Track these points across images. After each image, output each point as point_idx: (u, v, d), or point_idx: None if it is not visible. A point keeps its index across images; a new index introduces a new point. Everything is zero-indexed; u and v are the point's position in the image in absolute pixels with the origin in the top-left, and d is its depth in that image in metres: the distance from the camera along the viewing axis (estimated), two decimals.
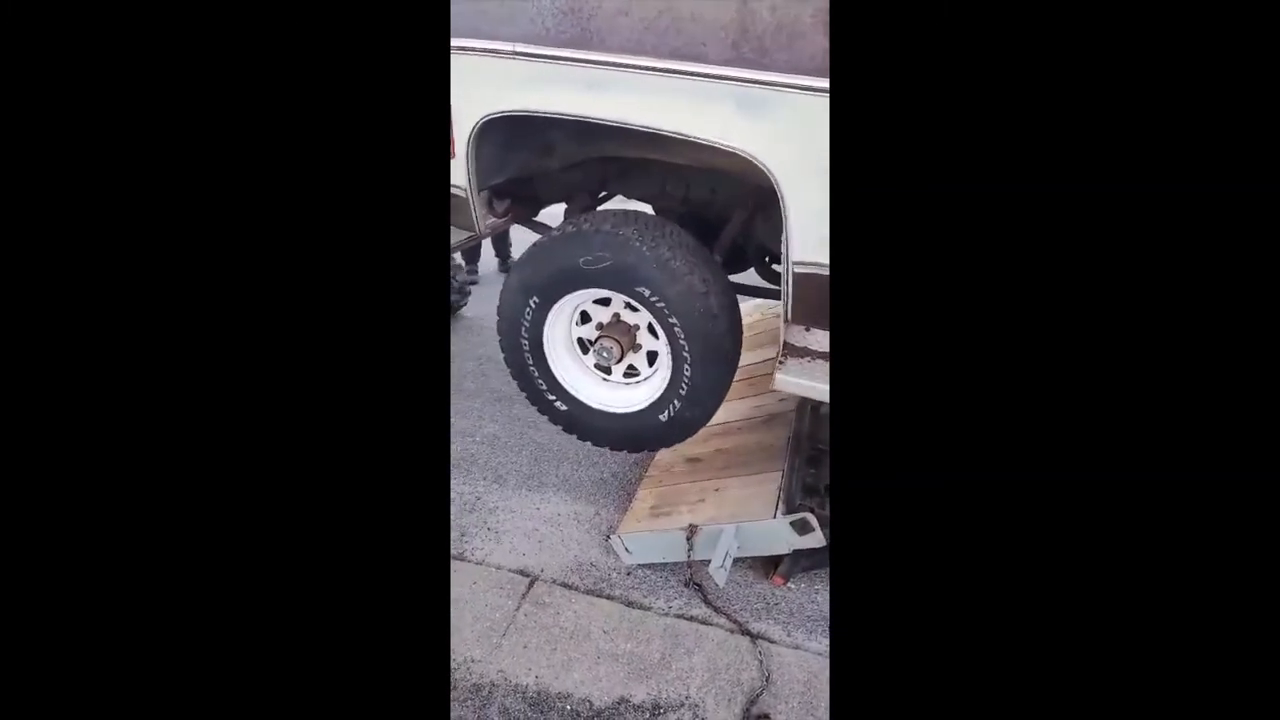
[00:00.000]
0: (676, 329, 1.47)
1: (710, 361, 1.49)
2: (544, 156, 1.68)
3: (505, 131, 1.46)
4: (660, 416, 1.62)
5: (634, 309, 1.59)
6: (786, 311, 1.40)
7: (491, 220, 1.68)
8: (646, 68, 1.22)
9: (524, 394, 1.78)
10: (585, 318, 1.67)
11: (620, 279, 1.47)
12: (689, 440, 1.68)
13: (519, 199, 1.82)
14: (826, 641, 1.52)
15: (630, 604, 1.61)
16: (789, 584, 1.68)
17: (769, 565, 1.73)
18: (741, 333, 1.57)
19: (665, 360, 1.58)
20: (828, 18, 1.07)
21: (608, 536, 1.78)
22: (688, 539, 1.64)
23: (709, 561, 1.59)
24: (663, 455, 2.10)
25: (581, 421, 1.73)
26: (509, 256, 3.89)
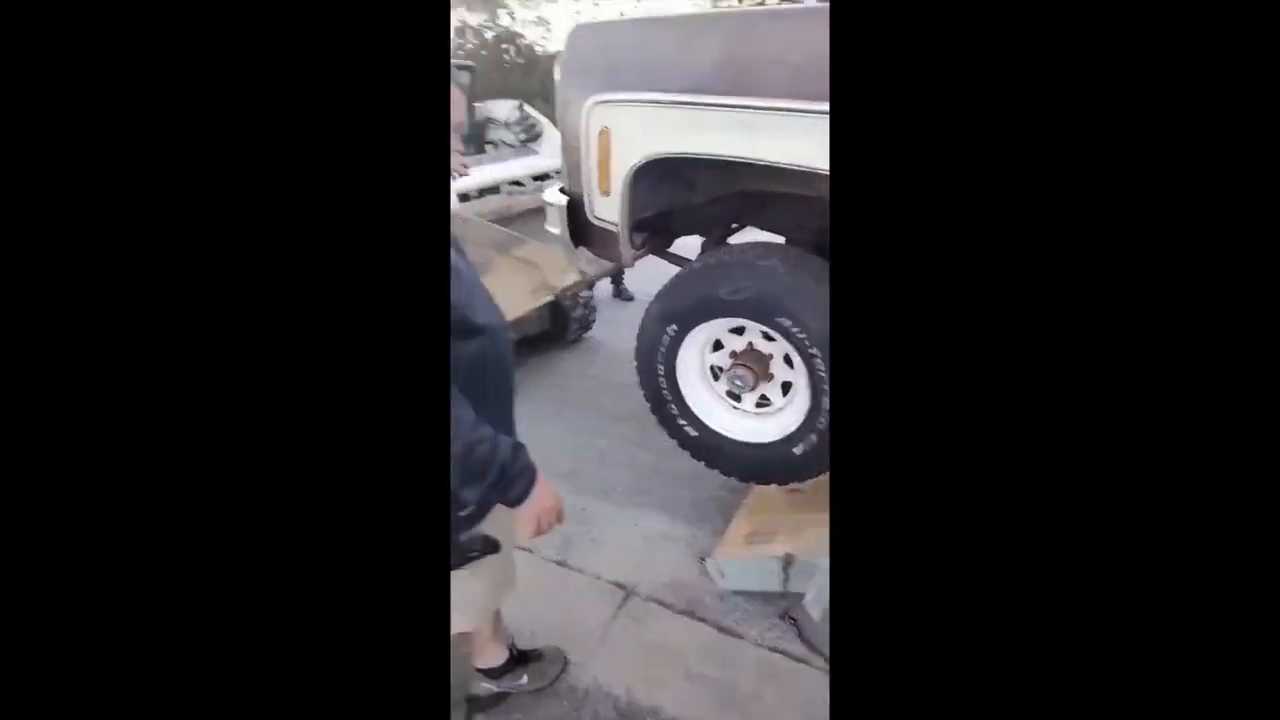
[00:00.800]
0: (817, 360, 1.48)
1: None
2: (687, 192, 1.78)
3: (654, 171, 1.57)
4: (795, 449, 1.62)
5: (769, 339, 1.62)
6: None
7: (632, 252, 1.79)
8: (798, 110, 1.28)
9: (656, 417, 1.85)
10: (718, 345, 1.73)
11: (761, 309, 1.51)
12: None
13: (656, 232, 1.93)
14: None
15: (723, 630, 1.59)
16: None
17: None
18: None
19: (803, 392, 1.58)
20: None
21: (703, 559, 1.79)
22: (784, 568, 1.60)
23: (804, 595, 1.54)
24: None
25: (711, 448, 1.77)
26: (622, 283, 4.08)
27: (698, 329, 1.65)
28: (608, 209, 1.63)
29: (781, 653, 1.52)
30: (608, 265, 2.00)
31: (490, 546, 0.99)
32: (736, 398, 1.74)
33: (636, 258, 1.89)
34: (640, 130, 1.49)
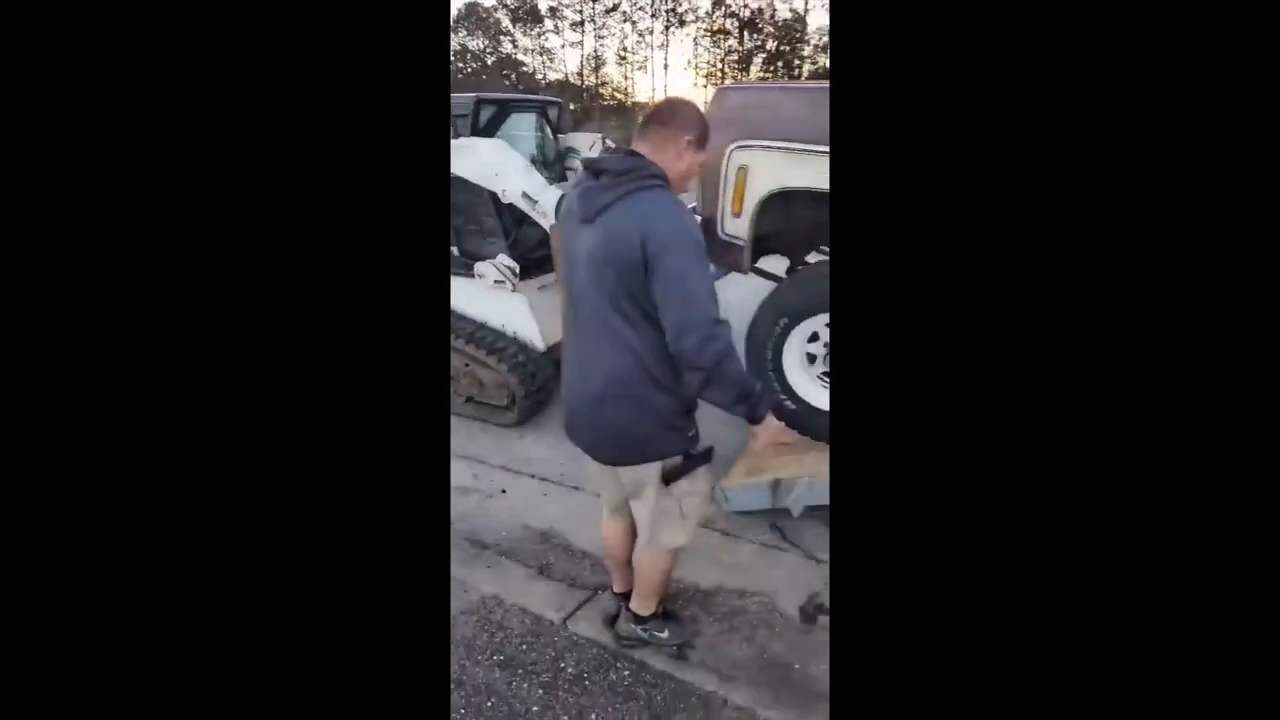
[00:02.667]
0: None
1: None
2: (787, 219, 2.27)
3: (773, 201, 2.05)
4: None
5: None
6: None
7: (750, 261, 2.24)
8: None
9: None
10: (813, 337, 2.19)
11: None
12: (779, 429, 2.11)
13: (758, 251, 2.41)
14: None
15: (728, 534, 2.06)
16: None
17: None
18: None
19: None
20: None
21: (712, 490, 2.13)
22: (771, 490, 2.07)
23: (788, 512, 2.01)
24: (758, 440, 2.46)
25: (803, 419, 2.23)
26: None
27: (805, 323, 2.12)
28: (738, 228, 2.10)
29: (771, 546, 2.02)
30: (714, 275, 2.48)
31: (709, 455, 1.36)
32: (827, 378, 2.21)
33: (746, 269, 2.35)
34: (772, 169, 1.97)
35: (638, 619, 1.59)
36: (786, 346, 2.18)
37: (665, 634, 1.60)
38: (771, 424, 1.30)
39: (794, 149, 1.91)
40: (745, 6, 27.62)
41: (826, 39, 27.56)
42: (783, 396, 2.23)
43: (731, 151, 2.02)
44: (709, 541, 2.03)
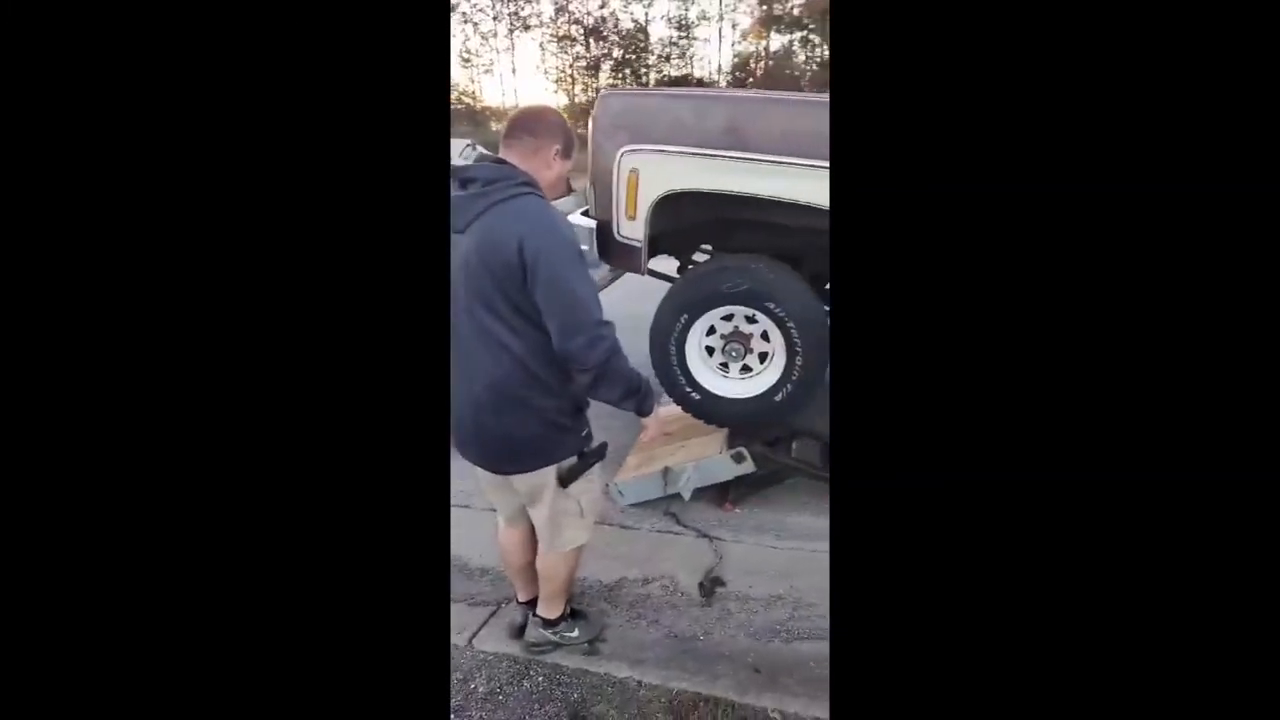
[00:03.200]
0: (792, 331, 2.14)
1: (816, 353, 2.15)
2: (676, 219, 2.36)
3: (665, 203, 2.14)
4: (775, 398, 2.25)
5: (751, 321, 2.25)
6: None
7: (648, 262, 2.31)
8: (781, 161, 1.95)
9: (664, 388, 2.37)
10: (710, 330, 2.31)
11: (754, 297, 2.13)
12: (666, 420, 2.31)
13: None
14: (761, 539, 2.08)
15: (625, 527, 2.19)
16: (736, 509, 2.29)
17: (722, 499, 2.32)
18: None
19: (780, 357, 2.23)
20: None
21: (606, 486, 2.28)
22: (663, 478, 2.22)
23: (680, 497, 2.16)
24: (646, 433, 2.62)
25: (710, 407, 2.34)
26: None
27: (704, 317, 2.22)
28: (633, 230, 2.15)
29: (668, 532, 2.16)
30: (609, 278, 2.52)
31: (603, 451, 1.40)
32: (726, 368, 2.34)
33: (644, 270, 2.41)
34: (660, 173, 2.05)
35: (546, 623, 1.60)
36: (689, 341, 2.28)
37: (576, 633, 1.62)
38: (659, 415, 1.37)
39: (683, 152, 2.01)
40: (589, 15, 28.11)
41: (669, 50, 28.87)
42: (689, 389, 2.33)
43: (622, 155, 2.07)
44: (607, 537, 2.08)
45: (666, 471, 2.19)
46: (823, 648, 1.58)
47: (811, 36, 26.69)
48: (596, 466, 1.41)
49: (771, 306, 2.12)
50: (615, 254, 2.23)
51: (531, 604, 1.63)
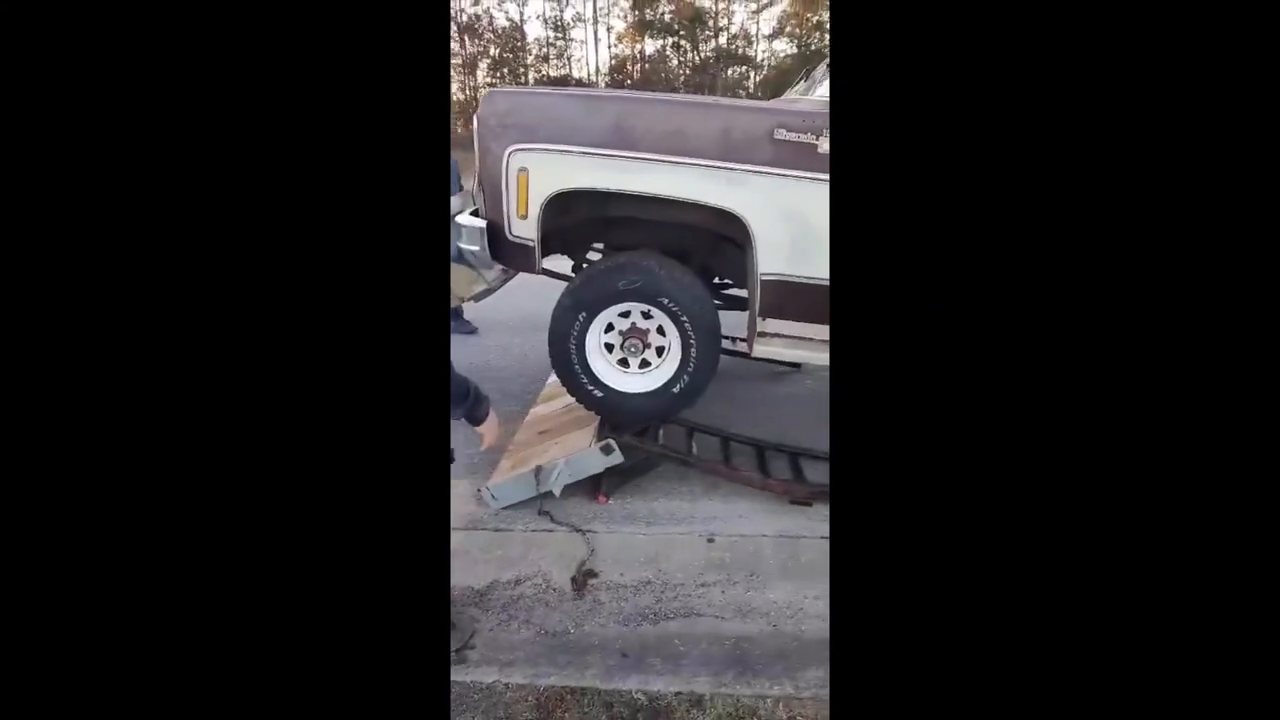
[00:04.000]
0: (686, 323, 2.22)
1: (708, 342, 2.25)
2: (563, 217, 2.37)
3: (554, 202, 2.14)
4: (674, 389, 2.33)
5: (647, 317, 2.31)
6: (755, 307, 2.22)
7: (541, 261, 2.28)
8: (663, 160, 2.02)
9: (566, 388, 2.37)
10: (609, 328, 2.34)
11: (648, 293, 2.19)
12: (542, 419, 2.38)
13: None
14: (635, 528, 2.09)
15: (499, 530, 2.17)
16: (609, 500, 2.35)
17: (595, 492, 2.34)
18: (719, 323, 2.34)
19: (675, 350, 2.30)
20: (776, 134, 1.95)
21: (479, 491, 2.26)
22: (535, 477, 2.22)
23: (553, 495, 2.19)
24: (521, 434, 2.63)
25: (613, 403, 2.37)
26: (462, 315, 4.17)
27: (601, 314, 2.25)
28: (525, 229, 2.13)
29: (542, 530, 2.16)
30: (502, 278, 2.47)
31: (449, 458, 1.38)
32: (625, 364, 2.38)
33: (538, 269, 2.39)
34: (550, 171, 2.05)
35: None
36: (588, 340, 2.29)
37: None
38: (493, 422, 1.37)
39: (573, 151, 2.02)
40: (462, 12, 27.17)
41: (546, 49, 28.62)
42: (591, 387, 2.35)
43: (510, 154, 2.04)
44: (481, 541, 2.05)
45: (539, 470, 2.19)
46: (688, 625, 1.65)
47: (682, 42, 27.65)
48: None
49: (665, 301, 2.19)
50: (507, 254, 2.20)
51: None
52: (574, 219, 2.38)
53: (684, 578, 1.83)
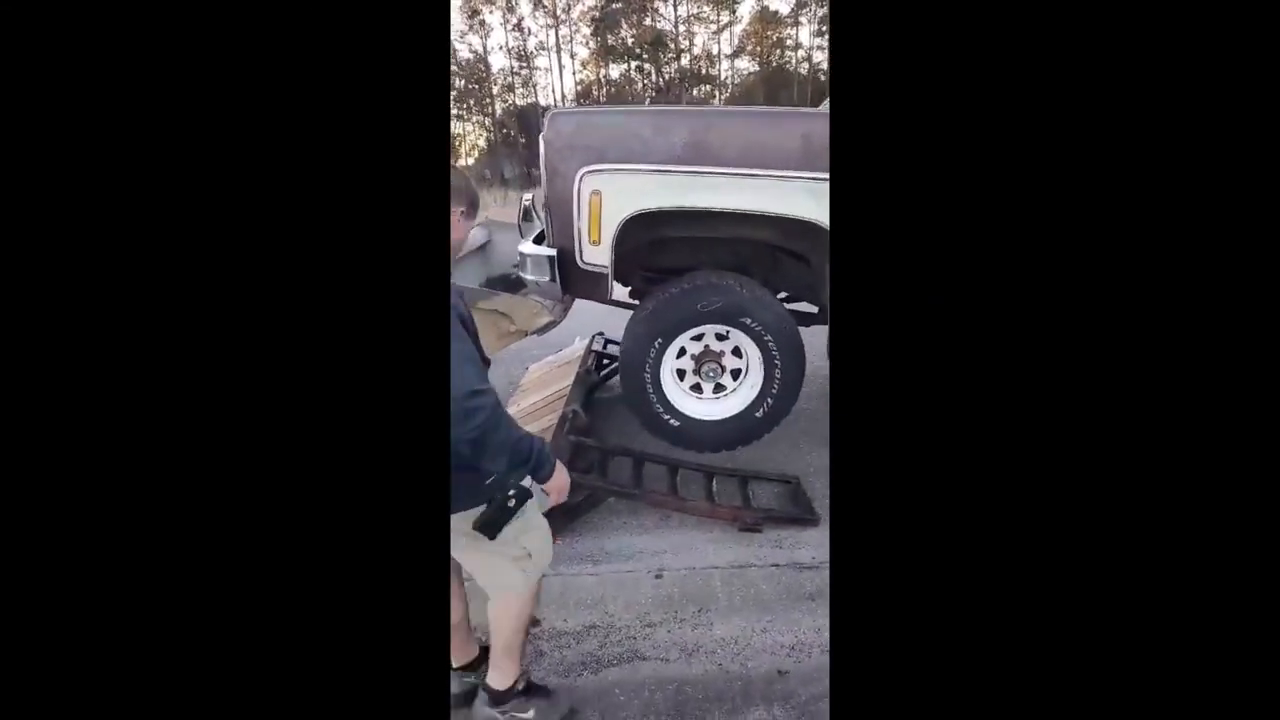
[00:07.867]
0: (770, 343, 2.11)
1: (793, 362, 2.14)
2: (622, 242, 2.25)
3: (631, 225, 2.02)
4: (757, 413, 2.21)
5: (721, 339, 2.19)
6: None
7: (614, 289, 2.15)
8: (745, 174, 1.92)
9: (640, 418, 2.23)
10: (681, 353, 2.22)
11: (729, 315, 2.08)
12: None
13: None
14: (581, 568, 1.87)
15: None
16: (557, 541, 1.99)
17: None
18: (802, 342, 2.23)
19: (756, 370, 2.19)
20: None
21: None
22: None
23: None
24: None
25: (691, 433, 2.24)
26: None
27: (677, 340, 2.13)
28: (597, 255, 2.00)
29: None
30: (563, 308, 2.33)
31: (525, 494, 1.22)
32: (699, 389, 2.26)
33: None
34: (629, 192, 1.93)
35: (495, 698, 1.36)
36: (663, 367, 2.17)
37: (530, 714, 1.38)
38: (560, 478, 1.23)
39: (648, 170, 1.91)
40: None
41: (511, 79, 28.75)
42: (667, 416, 2.21)
43: (582, 176, 1.92)
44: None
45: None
46: (630, 671, 1.52)
47: (646, 65, 28.05)
48: (533, 512, 1.25)
49: (748, 322, 2.08)
50: (578, 283, 2.07)
51: (469, 668, 1.43)
52: (633, 243, 2.27)
53: (629, 619, 1.68)
